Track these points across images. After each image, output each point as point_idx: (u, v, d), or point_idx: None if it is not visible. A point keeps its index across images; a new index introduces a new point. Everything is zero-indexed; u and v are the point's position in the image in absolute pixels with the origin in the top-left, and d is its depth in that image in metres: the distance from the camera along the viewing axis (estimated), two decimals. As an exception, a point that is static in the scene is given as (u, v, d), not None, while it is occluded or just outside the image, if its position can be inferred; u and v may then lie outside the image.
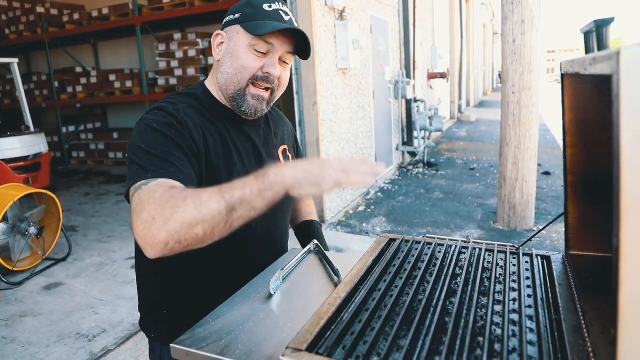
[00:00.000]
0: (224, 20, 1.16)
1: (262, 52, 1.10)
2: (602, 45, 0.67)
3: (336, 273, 1.11)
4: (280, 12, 1.11)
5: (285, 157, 1.33)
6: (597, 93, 0.81)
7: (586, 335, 0.71)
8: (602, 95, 0.65)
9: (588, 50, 0.75)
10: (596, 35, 0.68)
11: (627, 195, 0.46)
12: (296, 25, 1.13)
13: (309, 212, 1.53)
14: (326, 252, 1.24)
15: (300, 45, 1.15)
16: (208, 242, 0.86)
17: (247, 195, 0.83)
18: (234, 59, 1.11)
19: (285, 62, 1.16)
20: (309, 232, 1.44)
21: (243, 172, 1.14)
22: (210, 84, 1.21)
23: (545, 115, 13.71)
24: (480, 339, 0.73)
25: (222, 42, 1.15)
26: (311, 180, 0.83)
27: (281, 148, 1.33)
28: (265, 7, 1.10)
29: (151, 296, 1.23)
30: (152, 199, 0.86)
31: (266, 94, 1.14)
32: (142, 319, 1.25)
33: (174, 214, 0.82)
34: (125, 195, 0.98)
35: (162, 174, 0.93)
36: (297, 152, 1.48)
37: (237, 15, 1.12)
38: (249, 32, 1.08)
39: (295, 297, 1.04)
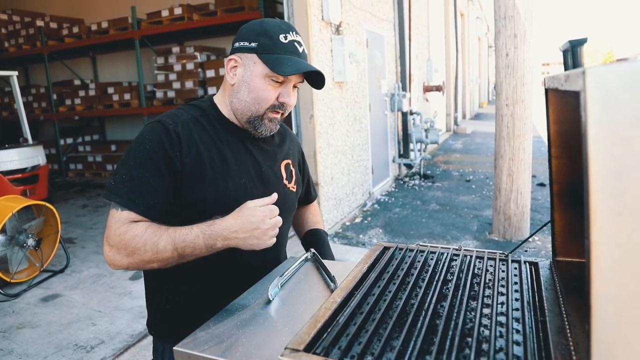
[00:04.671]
0: (237, 45, 1.20)
1: (278, 82, 1.17)
2: (576, 63, 0.72)
3: (332, 280, 1.14)
4: (295, 43, 1.18)
5: (288, 172, 1.37)
6: (577, 106, 0.85)
7: (569, 334, 0.75)
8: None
9: (566, 67, 0.80)
10: (571, 54, 0.73)
11: (596, 201, 0.50)
12: (306, 52, 1.21)
13: (315, 221, 1.58)
14: (323, 260, 1.28)
15: (311, 73, 1.22)
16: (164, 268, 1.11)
17: (195, 252, 1.08)
18: (252, 89, 1.18)
19: (296, 87, 1.24)
20: (314, 241, 1.49)
21: (240, 184, 1.21)
22: (219, 100, 1.27)
23: (539, 127, 13.82)
24: (469, 339, 0.77)
25: (236, 67, 1.20)
26: (258, 246, 1.09)
27: (284, 162, 1.37)
28: (282, 38, 1.16)
29: (154, 297, 1.29)
30: (118, 233, 1.08)
31: (280, 116, 1.24)
32: (148, 317, 1.32)
33: (134, 252, 1.07)
34: (104, 195, 1.14)
35: (128, 205, 1.10)
36: (303, 167, 1.53)
37: (253, 45, 1.16)
38: (270, 68, 1.14)
39: (293, 302, 1.07)
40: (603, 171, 0.49)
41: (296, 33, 1.20)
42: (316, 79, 1.23)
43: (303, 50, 1.20)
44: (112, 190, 1.11)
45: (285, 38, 1.16)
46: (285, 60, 1.14)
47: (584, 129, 0.50)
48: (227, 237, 1.06)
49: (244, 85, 1.19)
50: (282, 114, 1.24)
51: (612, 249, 0.50)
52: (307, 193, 1.58)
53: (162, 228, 1.09)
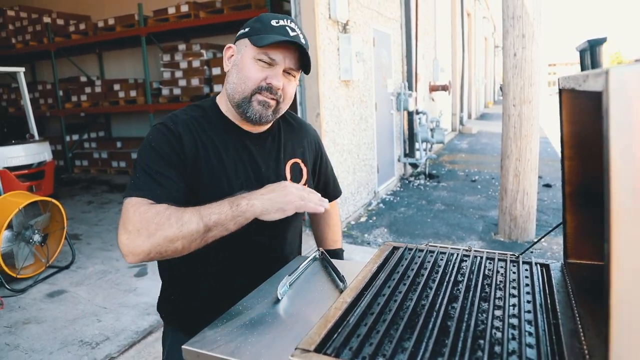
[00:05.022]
0: (237, 35, 1.22)
1: (266, 64, 1.15)
2: (595, 63, 0.71)
3: (341, 279, 1.14)
4: (287, 27, 1.16)
5: (295, 171, 1.32)
6: (592, 107, 0.84)
7: (582, 338, 0.75)
8: (597, 109, 0.70)
9: (583, 67, 0.79)
10: (590, 53, 0.72)
11: (617, 204, 0.49)
12: (302, 42, 1.17)
13: (335, 240, 1.59)
14: (331, 260, 1.27)
15: (305, 61, 1.19)
16: (185, 253, 1.01)
17: (221, 219, 1.00)
18: (240, 70, 1.17)
19: (291, 76, 1.20)
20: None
21: (237, 184, 1.19)
22: (220, 97, 1.27)
23: (546, 128, 13.77)
24: (481, 341, 0.76)
25: (232, 55, 1.22)
26: (277, 207, 1.04)
27: (290, 162, 1.32)
28: (273, 22, 1.16)
29: (164, 283, 1.32)
30: (138, 213, 0.99)
31: (272, 102, 1.18)
32: (158, 301, 1.35)
33: (158, 230, 0.96)
34: (125, 197, 1.08)
35: (149, 195, 1.05)
36: (320, 164, 1.45)
37: (246, 30, 1.19)
38: (253, 44, 1.14)
39: (302, 302, 1.07)
40: (624, 172, 0.49)
41: (291, 21, 1.18)
42: (307, 64, 1.20)
43: (297, 35, 1.16)
44: (131, 189, 1.06)
45: (277, 22, 1.16)
46: (269, 38, 1.13)
47: (605, 130, 0.49)
48: (251, 197, 1.04)
49: (234, 68, 1.19)
50: (276, 102, 1.18)
51: (634, 251, 0.49)
52: (324, 192, 1.50)
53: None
